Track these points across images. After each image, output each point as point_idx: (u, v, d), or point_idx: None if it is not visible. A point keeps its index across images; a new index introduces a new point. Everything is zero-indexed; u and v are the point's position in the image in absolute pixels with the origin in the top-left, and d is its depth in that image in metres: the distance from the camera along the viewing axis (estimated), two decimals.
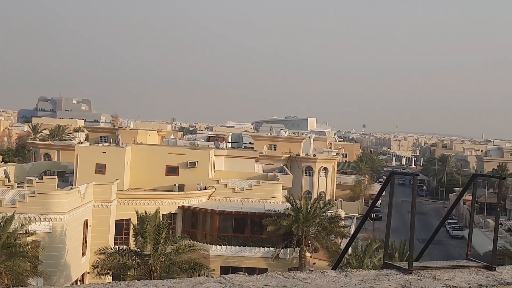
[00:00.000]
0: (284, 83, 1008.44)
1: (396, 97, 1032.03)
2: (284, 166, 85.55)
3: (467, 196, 67.26)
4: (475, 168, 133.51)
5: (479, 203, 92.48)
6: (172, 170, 55.44)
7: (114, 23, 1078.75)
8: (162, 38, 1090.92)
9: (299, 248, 48.60)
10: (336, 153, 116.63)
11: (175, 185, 54.57)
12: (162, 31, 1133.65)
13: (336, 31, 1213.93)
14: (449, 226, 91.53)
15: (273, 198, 54.26)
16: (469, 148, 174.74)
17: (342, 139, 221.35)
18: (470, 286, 8.44)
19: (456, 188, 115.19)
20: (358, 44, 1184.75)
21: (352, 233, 44.96)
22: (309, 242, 48.87)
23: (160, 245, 37.67)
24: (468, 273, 9.21)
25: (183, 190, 53.78)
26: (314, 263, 50.07)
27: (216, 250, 49.41)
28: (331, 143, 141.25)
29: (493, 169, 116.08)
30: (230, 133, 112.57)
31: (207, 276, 7.79)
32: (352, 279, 8.50)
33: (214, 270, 43.48)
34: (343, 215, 56.31)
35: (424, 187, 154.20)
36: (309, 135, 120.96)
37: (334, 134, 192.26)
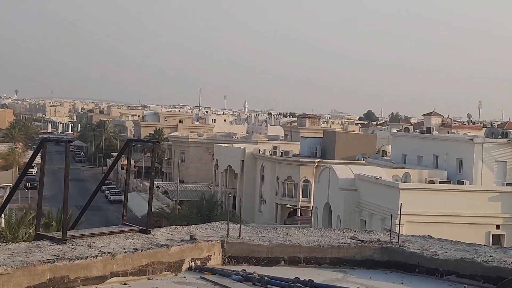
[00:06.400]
0: None
1: (49, 61, 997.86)
2: None
3: (125, 161, 69.19)
4: (133, 133, 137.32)
5: (137, 167, 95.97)
6: None
7: None
8: None
9: None
10: None
11: None
12: None
13: None
14: (108, 191, 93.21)
15: None
16: (127, 114, 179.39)
17: None
18: (125, 251, 8.44)
19: (114, 154, 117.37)
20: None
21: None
22: None
23: None
24: (123, 238, 9.22)
25: None
26: None
27: None
28: None
29: (150, 133, 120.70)
30: None
31: None
32: (0, 254, 7.86)
33: None
34: None
35: (82, 153, 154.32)
36: None
37: None
